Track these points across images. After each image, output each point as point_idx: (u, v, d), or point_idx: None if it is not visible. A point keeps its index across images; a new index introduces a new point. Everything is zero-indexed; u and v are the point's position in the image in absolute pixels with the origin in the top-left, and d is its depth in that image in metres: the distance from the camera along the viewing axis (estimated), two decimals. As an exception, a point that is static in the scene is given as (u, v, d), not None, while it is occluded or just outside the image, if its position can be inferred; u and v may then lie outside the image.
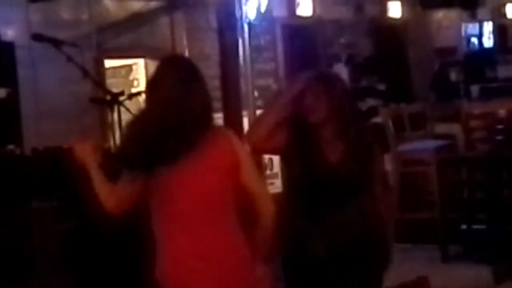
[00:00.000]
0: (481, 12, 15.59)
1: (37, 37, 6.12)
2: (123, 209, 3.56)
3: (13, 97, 8.21)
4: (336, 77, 4.42)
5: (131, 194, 3.51)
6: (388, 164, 9.05)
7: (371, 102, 12.08)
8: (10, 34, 8.48)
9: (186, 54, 9.83)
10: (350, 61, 12.80)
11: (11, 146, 7.57)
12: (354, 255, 3.97)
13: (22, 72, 8.38)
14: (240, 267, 3.50)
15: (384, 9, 13.86)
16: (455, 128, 9.60)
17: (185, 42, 10.01)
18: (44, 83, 8.64)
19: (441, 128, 10.02)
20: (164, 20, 10.13)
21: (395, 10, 14.05)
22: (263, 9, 10.36)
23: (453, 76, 14.49)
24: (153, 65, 10.37)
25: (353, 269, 3.98)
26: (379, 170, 4.14)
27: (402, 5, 14.11)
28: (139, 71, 10.57)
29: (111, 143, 6.16)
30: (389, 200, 4.19)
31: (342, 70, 12.44)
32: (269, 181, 9.36)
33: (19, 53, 8.34)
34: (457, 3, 15.03)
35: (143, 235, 3.83)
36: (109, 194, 3.55)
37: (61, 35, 6.51)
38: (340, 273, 3.94)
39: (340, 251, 3.94)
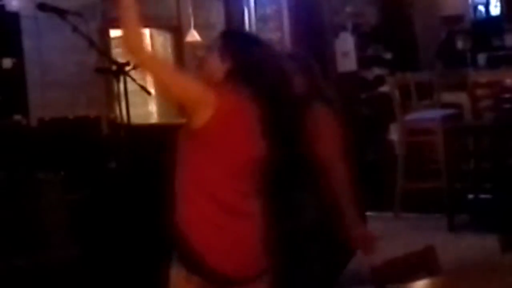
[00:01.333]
0: (488, -21, 15.49)
1: (42, 7, 6.08)
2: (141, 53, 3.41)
3: (19, 67, 8.21)
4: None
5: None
6: (395, 133, 9.05)
7: (377, 71, 12.04)
8: (15, 4, 8.45)
9: (192, 23, 9.78)
10: (356, 30, 12.73)
11: (17, 117, 7.58)
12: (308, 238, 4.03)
13: (27, 42, 8.37)
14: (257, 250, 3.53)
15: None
16: (461, 97, 9.55)
17: (190, 11, 9.95)
18: (49, 53, 8.63)
19: (448, 97, 9.97)
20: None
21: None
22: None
23: (460, 44, 14.40)
24: (158, 34, 10.35)
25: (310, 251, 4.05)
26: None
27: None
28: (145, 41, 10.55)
29: (117, 113, 6.15)
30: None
31: (348, 39, 12.40)
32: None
33: (24, 23, 8.32)
34: (464, -30, 14.93)
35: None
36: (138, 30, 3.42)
37: (66, 4, 6.47)
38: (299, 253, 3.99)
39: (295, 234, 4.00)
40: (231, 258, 3.46)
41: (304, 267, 4.04)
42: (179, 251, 3.51)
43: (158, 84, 3.49)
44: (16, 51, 8.19)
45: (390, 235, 6.90)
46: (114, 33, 9.77)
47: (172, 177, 3.54)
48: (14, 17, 8.25)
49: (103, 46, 8.55)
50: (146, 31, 10.37)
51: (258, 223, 3.53)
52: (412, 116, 8.70)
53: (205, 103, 3.37)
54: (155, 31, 10.32)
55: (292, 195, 4.07)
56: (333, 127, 4.25)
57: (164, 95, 3.49)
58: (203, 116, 3.38)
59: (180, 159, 3.52)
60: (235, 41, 3.62)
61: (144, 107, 9.64)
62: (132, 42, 3.40)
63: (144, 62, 3.43)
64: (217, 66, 3.52)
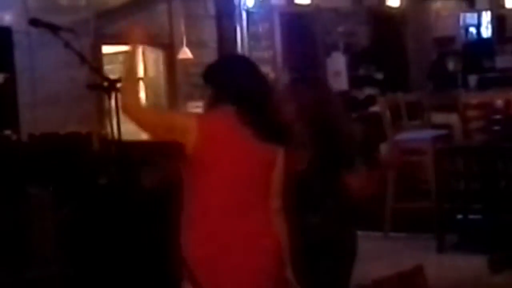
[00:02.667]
0: (479, 1, 15.58)
1: (34, 22, 6.08)
2: (142, 121, 3.54)
3: (10, 83, 8.20)
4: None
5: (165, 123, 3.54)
6: (385, 153, 9.06)
7: (368, 91, 12.09)
8: (7, 19, 8.46)
9: (184, 40, 9.81)
10: (348, 50, 12.80)
11: (7, 132, 7.57)
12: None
13: (19, 58, 8.37)
14: (272, 262, 3.54)
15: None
16: (452, 118, 9.60)
17: (183, 29, 9.98)
18: (41, 68, 8.62)
19: (439, 117, 10.01)
20: (162, 7, 10.11)
21: (393, -1, 14.05)
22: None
23: (451, 65, 14.48)
24: (151, 52, 10.37)
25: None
26: None
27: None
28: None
29: (108, 129, 6.15)
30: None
31: (340, 59, 12.45)
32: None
33: (17, 38, 8.32)
34: (455, -8, 15.03)
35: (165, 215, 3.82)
36: (136, 94, 3.59)
37: (58, 20, 6.48)
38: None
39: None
40: (242, 277, 3.47)
41: (314, 281, 4.04)
42: (187, 271, 3.51)
43: (148, 131, 3.58)
44: (8, 66, 8.18)
45: (379, 255, 6.91)
46: (106, 49, 9.78)
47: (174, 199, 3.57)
48: (6, 32, 8.25)
49: (95, 62, 8.55)
50: (140, 48, 10.39)
51: (272, 242, 3.55)
52: (402, 136, 8.72)
53: (187, 130, 3.46)
54: (147, 48, 10.33)
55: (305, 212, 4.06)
56: None
57: (154, 136, 3.59)
58: (190, 141, 3.47)
59: (185, 185, 3.57)
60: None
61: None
62: (131, 108, 3.52)
63: (139, 121, 3.53)
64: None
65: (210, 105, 3.59)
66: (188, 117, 3.57)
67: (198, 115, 3.57)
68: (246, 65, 3.78)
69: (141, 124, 3.53)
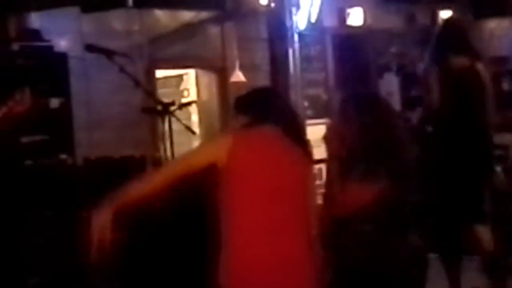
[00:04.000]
0: (534, 21, 15.43)
1: (90, 48, 6.18)
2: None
3: (66, 107, 8.31)
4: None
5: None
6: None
7: (421, 112, 11.99)
8: (63, 44, 8.60)
9: (237, 64, 9.85)
10: (400, 71, 12.73)
11: (63, 156, 7.65)
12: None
13: (74, 82, 8.49)
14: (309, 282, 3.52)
15: (435, 18, 13.76)
16: (507, 138, 9.48)
17: (235, 52, 10.04)
18: (96, 93, 8.74)
19: (495, 138, 9.91)
20: (214, 30, 10.18)
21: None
22: (313, 19, 10.37)
23: (506, 85, 14.33)
24: (203, 75, 10.44)
25: None
26: None
27: (454, 14, 14.00)
28: (190, 81, 10.63)
29: (162, 152, 6.20)
30: None
31: (392, 80, 12.38)
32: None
33: (72, 64, 8.44)
34: (509, 11, 14.88)
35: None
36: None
37: (113, 45, 6.57)
38: None
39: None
40: None
41: None
42: None
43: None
44: (64, 91, 8.30)
45: (435, 277, 6.83)
46: (160, 73, 9.87)
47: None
48: (62, 57, 8.38)
49: (149, 86, 8.64)
50: (192, 71, 10.47)
51: (312, 268, 3.53)
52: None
53: (216, 159, 3.47)
54: (200, 71, 10.41)
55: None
56: None
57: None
58: (224, 159, 3.45)
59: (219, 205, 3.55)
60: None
61: (189, 146, 9.68)
62: None
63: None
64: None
65: (246, 129, 3.61)
66: (217, 143, 3.57)
67: (233, 133, 3.56)
68: (273, 93, 3.94)
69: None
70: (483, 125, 6.22)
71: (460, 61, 6.06)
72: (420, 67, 7.65)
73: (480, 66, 6.14)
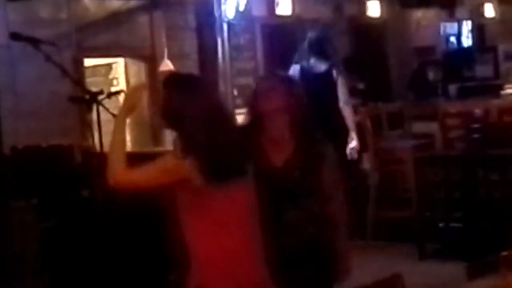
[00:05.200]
0: (459, 11, 15.70)
1: (15, 36, 6.12)
2: (128, 186, 3.62)
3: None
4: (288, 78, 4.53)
5: (149, 180, 3.58)
6: (367, 162, 9.13)
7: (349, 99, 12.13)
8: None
9: (165, 52, 9.84)
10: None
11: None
12: (302, 256, 4.05)
13: (0, 71, 8.38)
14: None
15: (363, 9, 13.92)
16: (432, 127, 9.67)
17: (164, 41, 10.02)
18: (23, 82, 8.63)
19: (419, 127, 10.09)
20: (143, 19, 10.14)
21: (374, 10, 14.11)
22: (242, 8, 10.42)
23: (432, 75, 14.57)
24: (132, 64, 10.40)
25: (302, 270, 4.06)
26: (328, 177, 4.16)
27: (381, 5, 14.18)
28: (119, 70, 10.57)
29: (90, 142, 6.18)
30: (340, 206, 4.22)
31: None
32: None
33: (-1, 52, 8.34)
34: (435, 2, 15.12)
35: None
36: (121, 162, 3.62)
37: (40, 34, 6.51)
38: (291, 273, 3.99)
39: (289, 252, 4.01)
40: None
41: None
42: None
43: (143, 190, 3.64)
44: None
45: (360, 263, 6.93)
46: (88, 62, 9.80)
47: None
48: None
49: (77, 75, 8.56)
50: (121, 60, 10.42)
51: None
52: (383, 145, 8.79)
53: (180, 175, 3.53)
54: (129, 60, 10.35)
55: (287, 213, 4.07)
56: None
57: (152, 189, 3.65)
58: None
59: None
60: None
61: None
62: (119, 179, 3.62)
63: (130, 187, 3.65)
64: None
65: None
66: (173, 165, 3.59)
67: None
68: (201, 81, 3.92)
69: (133, 188, 3.63)
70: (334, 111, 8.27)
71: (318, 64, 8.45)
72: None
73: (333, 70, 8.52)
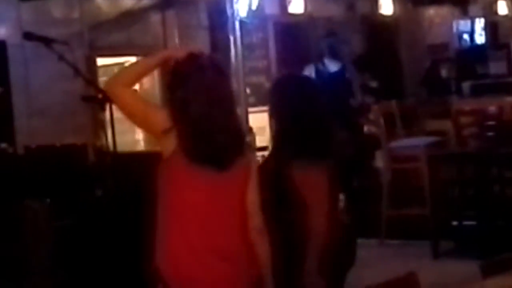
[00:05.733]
0: (472, 8, 15.62)
1: (28, 36, 6.14)
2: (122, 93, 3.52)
3: (5, 96, 8.23)
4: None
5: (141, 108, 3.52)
6: (380, 160, 9.10)
7: (363, 99, 12.12)
8: (1, 32, 8.50)
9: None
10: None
11: (3, 144, 7.59)
12: None
13: (14, 71, 8.41)
14: (248, 269, 3.56)
15: (375, 6, 13.88)
16: (446, 125, 9.64)
17: (176, 40, 10.03)
18: (36, 81, 8.66)
19: (432, 124, 10.06)
20: (155, 18, 10.15)
21: (386, 7, 14.07)
22: (254, 7, 10.37)
23: (445, 72, 14.53)
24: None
25: None
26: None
27: (394, 2, 14.14)
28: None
29: (104, 140, 6.19)
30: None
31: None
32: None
33: (11, 52, 8.36)
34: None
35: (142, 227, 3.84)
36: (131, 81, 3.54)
37: (52, 33, 6.53)
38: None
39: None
40: None
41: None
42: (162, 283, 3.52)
43: (125, 113, 3.56)
44: (3, 79, 8.22)
45: (374, 262, 6.94)
46: (101, 61, 9.81)
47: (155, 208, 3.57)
48: (1, 45, 8.29)
49: (89, 74, 8.58)
50: (133, 59, 10.42)
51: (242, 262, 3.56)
52: (396, 143, 8.76)
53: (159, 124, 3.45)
54: (138, 58, 10.36)
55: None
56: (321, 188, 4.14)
57: (132, 120, 3.58)
58: (168, 147, 3.46)
59: (160, 190, 3.55)
60: None
61: (131, 135, 9.66)
62: (116, 83, 3.54)
63: (118, 98, 3.54)
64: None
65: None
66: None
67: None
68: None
69: (119, 102, 3.52)
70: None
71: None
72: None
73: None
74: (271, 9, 11.61)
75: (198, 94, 3.46)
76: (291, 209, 4.02)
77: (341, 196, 4.25)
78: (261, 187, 3.62)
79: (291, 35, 12.15)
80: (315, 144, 4.04)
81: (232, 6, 9.07)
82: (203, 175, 3.47)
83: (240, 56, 9.05)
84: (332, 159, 4.13)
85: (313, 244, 3.96)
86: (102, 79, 9.76)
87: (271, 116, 4.23)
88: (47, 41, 5.82)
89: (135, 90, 3.68)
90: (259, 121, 9.65)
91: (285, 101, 4.15)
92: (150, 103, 3.69)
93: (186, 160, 3.43)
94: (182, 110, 3.44)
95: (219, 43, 9.13)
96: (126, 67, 3.84)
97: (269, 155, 4.28)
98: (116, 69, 10.67)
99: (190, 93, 3.46)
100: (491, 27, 15.99)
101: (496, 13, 15.94)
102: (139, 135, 10.04)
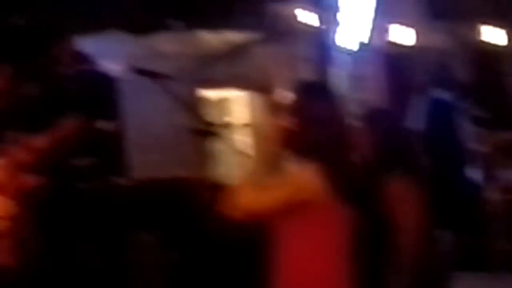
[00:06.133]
0: None
1: (136, 71, 6.27)
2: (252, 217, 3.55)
3: (117, 130, 8.39)
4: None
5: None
6: (491, 192, 8.91)
7: (472, 128, 11.90)
8: (113, 67, 8.69)
9: (284, 84, 9.87)
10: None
11: (116, 178, 7.73)
12: None
13: (124, 105, 8.57)
14: None
15: (484, 36, 13.67)
16: None
17: (283, 73, 10.06)
18: (145, 115, 8.81)
19: None
20: (261, 51, 10.22)
21: (496, 37, 13.83)
22: (361, 39, 10.37)
23: None
24: (250, 96, 10.47)
25: None
26: None
27: (503, 32, 13.88)
28: (236, 102, 10.66)
29: (210, 173, 6.25)
30: None
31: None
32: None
33: (122, 86, 8.53)
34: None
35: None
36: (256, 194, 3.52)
37: (160, 67, 6.64)
38: None
39: None
40: None
41: None
42: None
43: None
44: (115, 114, 8.37)
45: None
46: (207, 94, 9.93)
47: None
48: (111, 80, 8.46)
49: (195, 107, 8.68)
50: (238, 93, 10.51)
51: None
52: (507, 174, 8.59)
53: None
54: (247, 93, 10.44)
55: None
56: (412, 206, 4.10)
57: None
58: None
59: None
60: None
61: (237, 167, 9.70)
62: (246, 206, 3.56)
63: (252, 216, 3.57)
64: None
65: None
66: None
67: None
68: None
69: (259, 216, 3.54)
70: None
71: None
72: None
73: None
74: (378, 40, 11.56)
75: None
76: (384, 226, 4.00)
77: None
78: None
79: (399, 66, 12.05)
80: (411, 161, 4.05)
81: (338, 38, 9.10)
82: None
83: (346, 88, 9.05)
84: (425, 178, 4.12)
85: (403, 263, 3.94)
86: (207, 112, 9.87)
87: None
88: (155, 76, 5.93)
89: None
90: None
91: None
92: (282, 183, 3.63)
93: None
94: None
95: (325, 75, 9.11)
96: (241, 186, 3.70)
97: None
98: (220, 103, 10.79)
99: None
100: None
101: None
102: (245, 167, 10.07)
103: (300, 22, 9.92)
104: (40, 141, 6.12)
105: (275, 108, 10.04)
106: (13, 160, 6.01)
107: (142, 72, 6.22)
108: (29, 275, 6.06)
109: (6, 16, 8.08)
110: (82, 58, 8.28)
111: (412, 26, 11.88)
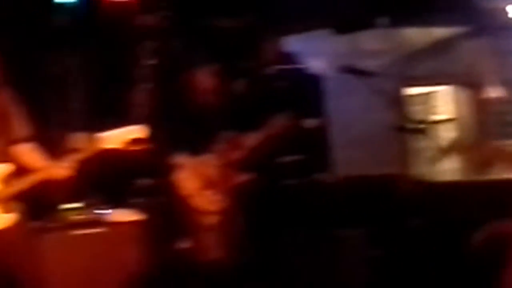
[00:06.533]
0: None
1: (343, 69, 6.31)
2: None
3: (322, 127, 8.47)
4: None
5: None
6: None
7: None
8: (318, 65, 8.78)
9: (493, 79, 9.64)
10: None
11: (320, 175, 7.81)
12: None
13: (328, 102, 8.64)
14: None
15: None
16: None
17: (490, 67, 9.81)
18: (349, 112, 8.85)
19: None
20: (467, 46, 10.01)
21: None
22: None
23: None
24: (456, 91, 10.29)
25: None
26: None
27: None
28: (441, 99, 10.50)
29: (416, 170, 6.20)
30: None
31: None
32: None
33: (326, 84, 8.60)
34: None
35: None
36: None
37: (363, 65, 6.66)
38: None
39: None
40: None
41: None
42: None
43: None
44: (319, 111, 8.45)
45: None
46: (411, 90, 9.83)
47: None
48: (317, 78, 8.55)
49: (400, 104, 8.62)
50: (442, 88, 10.35)
51: None
52: None
53: None
54: (453, 88, 10.26)
55: None
56: None
57: None
58: None
59: None
60: None
61: (447, 163, 9.54)
62: None
63: None
64: None
65: None
66: None
67: None
68: None
69: None
70: None
71: None
72: None
73: None
74: None
75: None
76: None
77: None
78: None
79: None
80: None
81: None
82: None
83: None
84: None
85: None
86: (413, 108, 9.77)
87: None
88: (360, 74, 5.95)
89: None
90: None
91: None
92: None
93: None
94: None
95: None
96: None
97: None
98: (423, 99, 10.65)
99: None
100: None
101: None
102: (457, 163, 9.89)
103: (510, 18, 9.64)
104: (251, 139, 6.30)
105: (482, 103, 9.86)
106: (225, 157, 6.21)
107: (349, 70, 6.26)
108: (237, 268, 6.25)
109: (216, 19, 8.34)
110: (288, 57, 8.43)
111: None
